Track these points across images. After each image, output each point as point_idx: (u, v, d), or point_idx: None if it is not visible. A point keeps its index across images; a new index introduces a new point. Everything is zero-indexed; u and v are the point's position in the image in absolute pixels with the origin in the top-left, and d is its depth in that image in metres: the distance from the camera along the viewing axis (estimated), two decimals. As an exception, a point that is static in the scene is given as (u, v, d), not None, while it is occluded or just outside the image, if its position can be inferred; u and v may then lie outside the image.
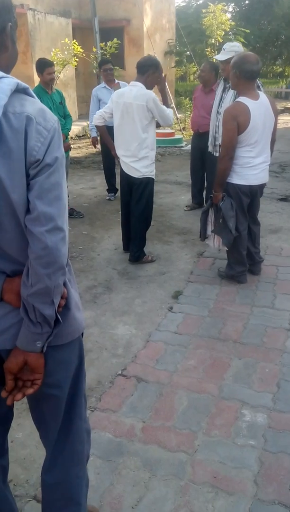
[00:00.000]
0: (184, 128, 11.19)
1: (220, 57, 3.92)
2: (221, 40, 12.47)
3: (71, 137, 9.87)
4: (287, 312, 3.04)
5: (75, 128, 10.27)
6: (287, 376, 2.39)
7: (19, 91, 1.02)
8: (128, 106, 3.45)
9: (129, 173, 3.67)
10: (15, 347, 1.11)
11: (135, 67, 3.60)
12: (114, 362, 2.54)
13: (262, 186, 3.33)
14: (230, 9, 23.72)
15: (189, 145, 6.12)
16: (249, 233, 3.44)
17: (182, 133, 10.59)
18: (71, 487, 1.37)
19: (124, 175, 3.75)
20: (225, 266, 3.56)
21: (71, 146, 5.72)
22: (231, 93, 3.82)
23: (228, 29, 13.28)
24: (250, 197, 3.28)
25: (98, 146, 5.71)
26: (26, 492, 1.75)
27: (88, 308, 3.11)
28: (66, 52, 8.49)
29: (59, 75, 8.20)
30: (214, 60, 4.97)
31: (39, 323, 1.07)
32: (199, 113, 5.01)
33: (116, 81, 5.59)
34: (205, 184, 5.15)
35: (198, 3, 21.87)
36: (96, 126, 3.92)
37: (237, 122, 2.98)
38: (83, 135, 10.73)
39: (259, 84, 3.70)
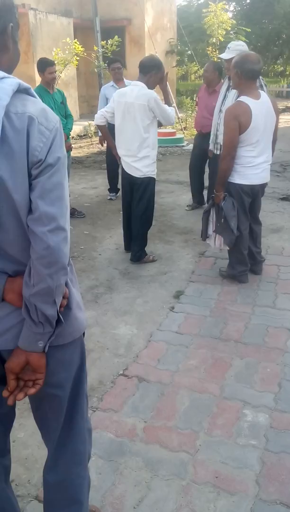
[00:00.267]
0: (185, 128, 11.18)
1: (225, 55, 3.93)
2: (222, 39, 12.45)
3: (73, 137, 9.88)
4: (289, 311, 3.03)
5: (77, 128, 10.27)
6: (289, 376, 2.39)
7: (21, 91, 1.01)
8: (129, 105, 3.45)
9: (130, 173, 3.67)
10: (17, 347, 1.11)
11: (136, 67, 3.59)
12: (116, 362, 2.54)
13: (263, 186, 3.33)
14: (231, 8, 23.73)
15: (190, 145, 6.11)
16: (250, 233, 3.44)
17: (183, 133, 10.59)
18: (73, 487, 1.36)
19: (125, 175, 3.75)
20: (226, 266, 3.56)
21: (72, 146, 5.72)
22: (234, 91, 3.82)
23: (229, 28, 13.25)
24: (252, 196, 3.28)
25: (105, 144, 5.69)
26: (28, 492, 1.75)
27: (89, 308, 3.11)
28: (67, 52, 8.49)
29: (60, 75, 8.21)
30: (215, 59, 4.96)
31: (41, 323, 1.07)
32: (202, 114, 5.02)
33: (125, 80, 5.57)
34: (207, 183, 5.14)
35: (199, 2, 21.83)
36: (97, 125, 3.91)
37: (239, 122, 2.97)
38: (84, 135, 10.72)
39: (262, 83, 3.69)
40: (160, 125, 3.68)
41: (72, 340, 1.21)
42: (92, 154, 8.82)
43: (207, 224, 3.44)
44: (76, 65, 9.04)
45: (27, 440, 1.99)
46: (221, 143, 3.60)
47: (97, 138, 7.35)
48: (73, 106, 10.56)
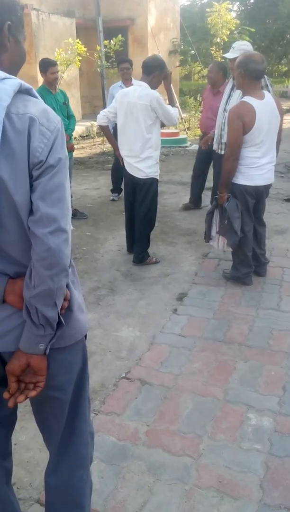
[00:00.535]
0: (188, 128, 11.16)
1: (229, 55, 3.93)
2: (226, 39, 12.45)
3: (75, 138, 9.87)
4: (293, 313, 3.01)
5: (79, 129, 10.26)
6: (293, 379, 2.37)
7: (22, 92, 1.01)
8: (132, 105, 3.43)
9: (132, 174, 3.65)
10: (18, 349, 1.11)
11: (139, 67, 3.58)
12: (118, 365, 2.52)
13: (268, 187, 3.30)
14: (235, 8, 23.64)
15: (194, 145, 6.09)
16: (254, 234, 3.41)
17: (187, 133, 10.57)
18: (74, 490, 1.36)
19: (128, 176, 3.73)
20: (230, 268, 3.53)
21: (75, 146, 5.70)
22: (238, 91, 3.80)
23: (233, 28, 13.25)
24: (256, 197, 3.26)
25: None
26: (29, 495, 1.74)
27: (91, 310, 3.10)
28: (69, 52, 8.49)
29: (62, 75, 8.20)
30: (219, 59, 4.95)
31: (42, 325, 1.07)
32: (206, 115, 5.01)
33: (133, 80, 5.55)
34: (211, 184, 5.11)
35: (203, 2, 21.84)
36: (99, 126, 3.89)
37: (243, 122, 2.95)
38: (87, 136, 10.72)
39: (268, 83, 3.66)
40: (162, 125, 3.66)
41: (73, 342, 1.20)
42: (94, 155, 8.82)
43: (211, 226, 3.42)
44: (79, 66, 9.04)
45: (29, 443, 1.98)
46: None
47: (100, 139, 7.33)
48: (75, 106, 10.56)
